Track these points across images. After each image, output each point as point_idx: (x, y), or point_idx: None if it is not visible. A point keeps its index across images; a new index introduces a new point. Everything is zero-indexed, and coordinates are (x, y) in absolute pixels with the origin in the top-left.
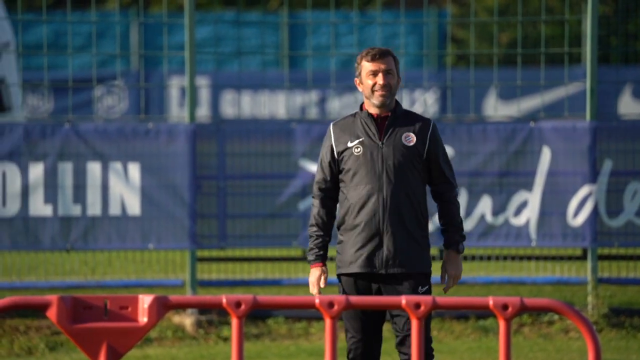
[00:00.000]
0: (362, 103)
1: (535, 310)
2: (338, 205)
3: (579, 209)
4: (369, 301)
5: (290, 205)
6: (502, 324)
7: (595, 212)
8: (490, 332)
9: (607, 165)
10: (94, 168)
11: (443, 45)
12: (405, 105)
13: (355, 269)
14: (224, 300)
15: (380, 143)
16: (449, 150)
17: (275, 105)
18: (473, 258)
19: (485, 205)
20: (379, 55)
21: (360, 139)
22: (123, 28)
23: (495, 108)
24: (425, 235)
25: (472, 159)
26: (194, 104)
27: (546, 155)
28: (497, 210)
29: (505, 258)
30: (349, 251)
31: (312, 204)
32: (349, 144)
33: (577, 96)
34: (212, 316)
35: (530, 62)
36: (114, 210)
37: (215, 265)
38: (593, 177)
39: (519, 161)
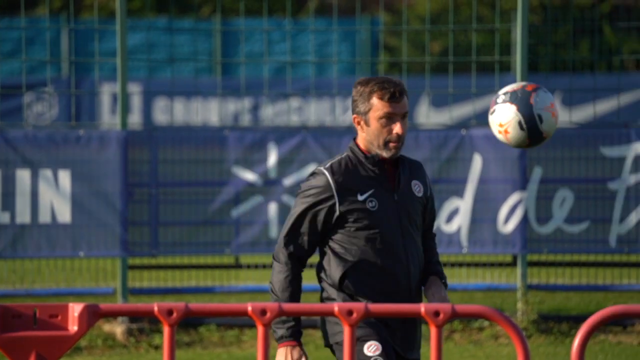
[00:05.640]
0: (355, 138)
1: (466, 316)
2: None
3: (509, 216)
4: (305, 308)
5: (222, 212)
6: (433, 331)
7: (525, 219)
8: (422, 339)
9: (537, 173)
10: (23, 175)
11: (376, 53)
12: (339, 113)
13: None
14: (156, 308)
15: (395, 195)
16: None
17: (208, 112)
18: None
19: None
20: (400, 95)
21: (371, 190)
22: (53, 34)
23: (428, 116)
24: None
25: None
26: (125, 110)
27: (477, 162)
28: None
29: None
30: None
31: (277, 268)
32: (359, 197)
33: None
34: (143, 324)
35: (462, 70)
36: (44, 218)
37: (146, 273)
38: (523, 185)
39: (450, 168)
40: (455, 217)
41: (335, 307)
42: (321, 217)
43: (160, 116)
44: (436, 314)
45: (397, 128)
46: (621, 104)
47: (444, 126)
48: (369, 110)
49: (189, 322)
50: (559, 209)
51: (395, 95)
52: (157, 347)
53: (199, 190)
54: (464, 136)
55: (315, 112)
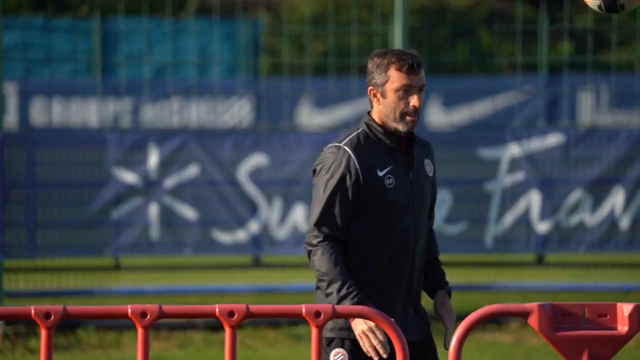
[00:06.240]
0: (369, 112)
1: (347, 317)
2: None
3: None
4: (185, 310)
5: (102, 214)
6: (314, 331)
7: None
8: (302, 339)
9: None
10: None
11: (257, 54)
12: (220, 114)
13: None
14: (33, 311)
15: (410, 173)
16: (264, 159)
17: (87, 113)
18: (290, 266)
19: (298, 213)
20: (418, 66)
21: (390, 167)
22: None
23: (310, 117)
24: None
25: (287, 167)
26: (1, 111)
27: None
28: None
29: None
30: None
31: (317, 254)
32: (379, 173)
33: None
34: (19, 327)
35: (343, 72)
36: None
37: (23, 276)
38: None
39: None
40: None
41: (216, 308)
42: (350, 192)
43: (37, 117)
44: (317, 314)
45: (414, 100)
46: (497, 106)
47: (326, 128)
48: (386, 81)
49: (67, 324)
50: (438, 209)
51: (413, 67)
52: (34, 351)
53: (78, 191)
54: None
55: (197, 113)
